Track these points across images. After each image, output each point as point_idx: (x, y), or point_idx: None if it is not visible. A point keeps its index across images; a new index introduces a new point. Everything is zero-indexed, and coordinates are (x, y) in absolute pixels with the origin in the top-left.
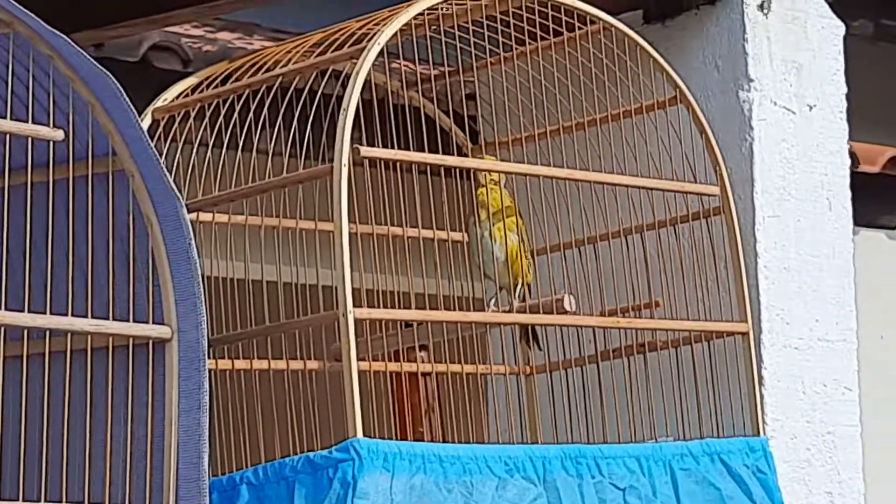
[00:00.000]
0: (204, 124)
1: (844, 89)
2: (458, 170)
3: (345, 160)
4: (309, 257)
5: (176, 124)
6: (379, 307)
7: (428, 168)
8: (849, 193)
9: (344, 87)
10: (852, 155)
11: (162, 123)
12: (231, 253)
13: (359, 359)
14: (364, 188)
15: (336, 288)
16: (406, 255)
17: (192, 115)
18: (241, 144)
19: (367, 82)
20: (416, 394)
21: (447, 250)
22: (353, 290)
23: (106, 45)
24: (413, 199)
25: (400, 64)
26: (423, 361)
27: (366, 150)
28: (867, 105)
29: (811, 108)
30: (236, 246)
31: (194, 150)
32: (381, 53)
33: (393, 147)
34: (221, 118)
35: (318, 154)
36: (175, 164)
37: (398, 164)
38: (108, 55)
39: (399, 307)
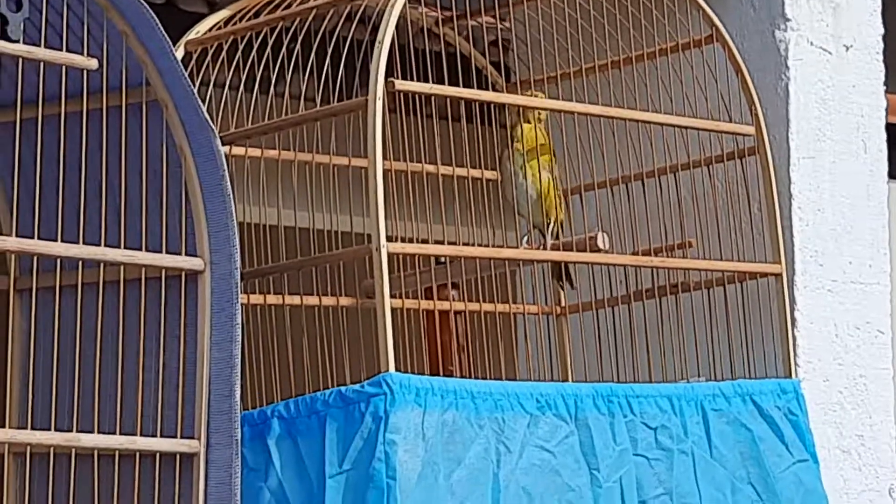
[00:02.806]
0: (237, 58)
1: (881, 30)
2: (491, 108)
3: (379, 93)
4: (342, 199)
5: (209, 57)
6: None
7: (461, 105)
8: (884, 135)
9: (376, 30)
10: None
11: (195, 56)
12: (264, 195)
13: (391, 295)
14: (398, 133)
15: (368, 234)
16: (439, 195)
17: (225, 48)
18: (273, 82)
19: (401, 17)
20: (447, 332)
21: (481, 189)
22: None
23: None
24: (447, 139)
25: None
26: (454, 300)
27: (400, 84)
28: None
29: (847, 48)
30: (269, 185)
31: (227, 83)
32: None
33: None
34: (254, 52)
35: (350, 97)
36: (208, 98)
37: (432, 102)
38: None
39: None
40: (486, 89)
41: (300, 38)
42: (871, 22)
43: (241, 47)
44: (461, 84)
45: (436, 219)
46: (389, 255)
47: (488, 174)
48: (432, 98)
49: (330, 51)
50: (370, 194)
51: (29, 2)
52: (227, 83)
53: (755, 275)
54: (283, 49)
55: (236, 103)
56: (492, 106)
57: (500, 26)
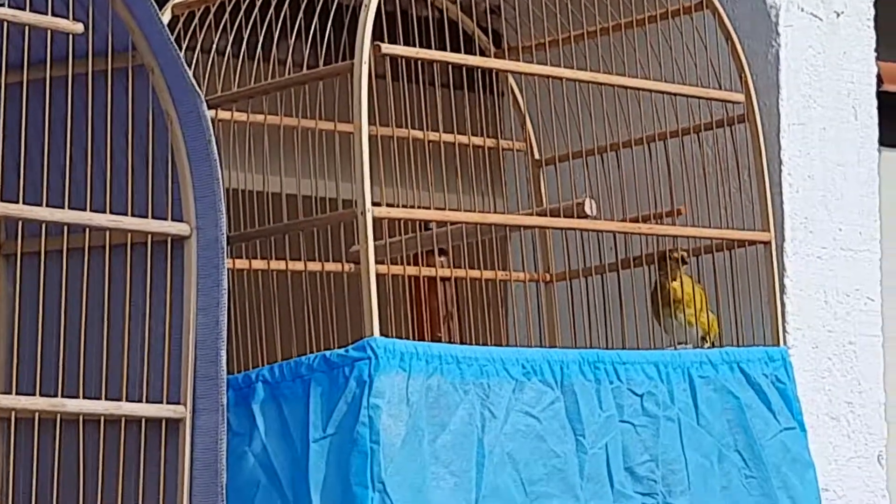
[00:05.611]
0: (224, 21)
1: None
2: (479, 74)
3: (366, 57)
4: (328, 165)
5: (196, 20)
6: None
7: (450, 71)
8: (875, 102)
9: None
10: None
11: (182, 19)
12: (249, 160)
13: (377, 262)
14: (385, 100)
15: (355, 200)
16: (427, 161)
17: (213, 10)
18: (260, 43)
19: None
20: (434, 299)
21: (468, 156)
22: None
23: None
24: (435, 104)
25: None
26: (442, 266)
27: (387, 48)
28: (891, 23)
29: (839, 15)
30: (255, 150)
31: (214, 46)
32: None
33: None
34: (241, 14)
35: (339, 62)
36: (194, 63)
37: (421, 66)
38: None
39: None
40: (476, 55)
41: (288, 1)
42: None
43: (228, 10)
44: (450, 49)
45: (423, 185)
46: (376, 222)
47: (476, 140)
48: (421, 63)
49: (317, 13)
50: (355, 158)
51: None
52: (214, 47)
53: (744, 242)
54: (271, 11)
55: (223, 67)
56: (481, 71)
57: None
